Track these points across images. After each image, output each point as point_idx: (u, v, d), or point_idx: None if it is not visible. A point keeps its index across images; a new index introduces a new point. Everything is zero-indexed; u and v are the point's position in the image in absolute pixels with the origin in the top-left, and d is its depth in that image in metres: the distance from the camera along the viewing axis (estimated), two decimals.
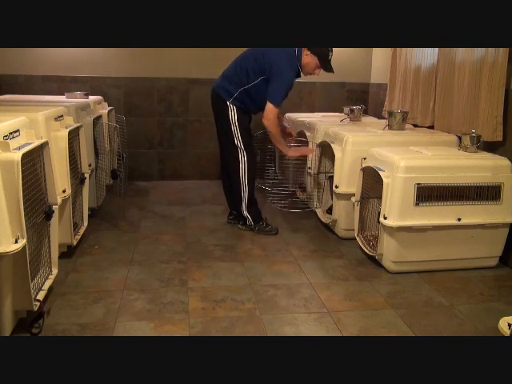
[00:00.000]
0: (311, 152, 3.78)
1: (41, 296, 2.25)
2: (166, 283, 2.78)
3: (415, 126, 4.15)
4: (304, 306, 2.58)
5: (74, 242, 3.00)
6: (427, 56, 4.06)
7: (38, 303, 2.20)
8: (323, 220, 3.73)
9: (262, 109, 3.54)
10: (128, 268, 2.97)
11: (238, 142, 3.56)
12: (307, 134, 4.07)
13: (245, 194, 3.66)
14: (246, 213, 3.69)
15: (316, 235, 3.66)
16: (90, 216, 3.51)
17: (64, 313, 2.42)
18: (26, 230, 1.99)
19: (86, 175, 3.27)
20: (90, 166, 3.43)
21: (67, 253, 3.05)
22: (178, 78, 5.09)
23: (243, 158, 3.59)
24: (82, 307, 2.48)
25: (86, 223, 3.31)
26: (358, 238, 3.25)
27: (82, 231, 3.22)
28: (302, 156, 3.86)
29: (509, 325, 1.39)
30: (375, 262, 3.11)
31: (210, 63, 5.05)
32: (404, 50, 4.44)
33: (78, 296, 2.60)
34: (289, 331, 2.32)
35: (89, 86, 4.91)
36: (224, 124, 3.58)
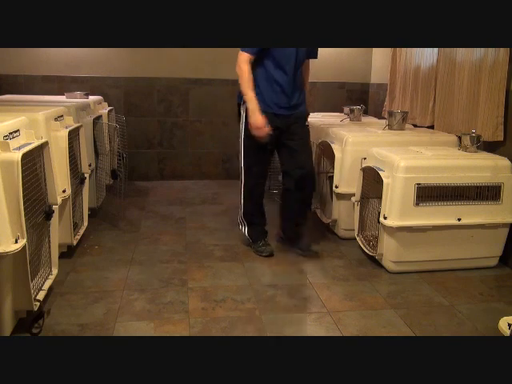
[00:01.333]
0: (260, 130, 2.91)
1: (41, 296, 2.25)
2: (166, 283, 2.78)
3: (415, 126, 4.15)
4: (304, 306, 2.58)
5: (74, 242, 3.00)
6: (427, 56, 4.06)
7: (38, 303, 2.20)
8: (323, 220, 3.73)
9: (281, 104, 2.99)
10: (128, 268, 2.97)
11: (240, 158, 3.10)
12: None
13: (240, 212, 3.27)
14: (242, 230, 3.29)
15: (316, 235, 3.66)
16: (89, 216, 3.51)
17: (64, 313, 2.42)
18: (26, 230, 1.99)
19: (86, 175, 3.27)
20: (90, 165, 3.43)
21: (67, 253, 3.05)
22: (178, 78, 5.09)
23: (241, 179, 3.14)
24: (82, 307, 2.48)
25: (86, 223, 3.31)
26: (358, 238, 3.25)
27: (82, 231, 3.22)
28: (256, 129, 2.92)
29: (509, 325, 1.39)
30: (375, 261, 3.11)
31: (210, 63, 5.05)
32: (404, 49, 4.45)
33: (78, 296, 2.60)
34: (289, 331, 2.32)
35: (89, 86, 4.91)
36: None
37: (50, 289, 2.50)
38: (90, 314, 2.41)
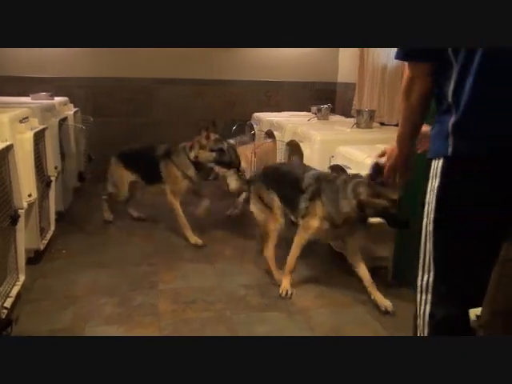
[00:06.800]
0: None
1: (8, 303, 2.22)
2: (135, 286, 2.76)
3: (382, 124, 4.21)
4: (275, 304, 2.59)
5: (42, 247, 2.95)
6: (393, 56, 4.11)
7: (6, 311, 2.16)
8: (291, 219, 3.74)
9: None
10: (96, 272, 2.93)
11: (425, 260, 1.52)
12: (275, 133, 4.09)
13: None
14: None
15: (284, 234, 3.67)
16: (57, 220, 3.44)
17: (33, 320, 2.38)
18: None
19: (53, 178, 3.21)
20: (56, 168, 3.37)
21: (34, 258, 2.98)
22: (146, 78, 5.04)
23: (419, 300, 1.55)
24: (51, 313, 2.45)
25: (53, 227, 3.25)
26: None
27: (49, 235, 3.16)
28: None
29: (477, 316, 1.39)
30: (346, 259, 3.13)
31: (177, 63, 5.02)
32: (371, 49, 4.49)
33: (47, 302, 2.56)
34: (260, 330, 2.33)
35: (54, 86, 4.82)
36: None
37: (18, 295, 2.45)
38: (59, 320, 2.38)
